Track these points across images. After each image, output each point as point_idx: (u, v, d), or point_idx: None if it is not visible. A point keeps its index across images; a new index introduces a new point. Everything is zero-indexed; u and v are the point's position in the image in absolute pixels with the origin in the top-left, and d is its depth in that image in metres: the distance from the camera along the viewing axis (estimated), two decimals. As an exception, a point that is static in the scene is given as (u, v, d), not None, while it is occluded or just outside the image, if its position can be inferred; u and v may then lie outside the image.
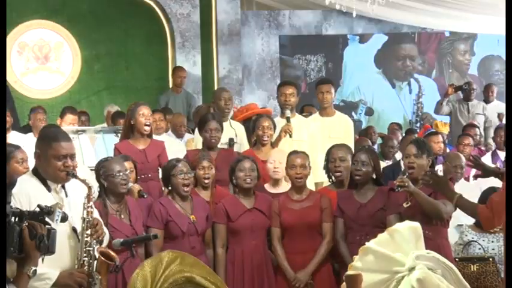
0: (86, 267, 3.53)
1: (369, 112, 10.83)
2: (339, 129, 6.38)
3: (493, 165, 5.73)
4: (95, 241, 3.59)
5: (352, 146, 6.22)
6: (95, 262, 3.58)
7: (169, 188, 4.98)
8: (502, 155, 7.40)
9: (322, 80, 7.10)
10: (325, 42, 10.80)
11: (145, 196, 5.03)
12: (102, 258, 3.62)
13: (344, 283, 2.18)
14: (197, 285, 2.04)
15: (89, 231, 3.57)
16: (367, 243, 2.28)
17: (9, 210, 2.59)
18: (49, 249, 2.64)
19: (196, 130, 6.14)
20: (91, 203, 3.64)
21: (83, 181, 3.79)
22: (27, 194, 3.44)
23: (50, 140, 3.56)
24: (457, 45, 11.10)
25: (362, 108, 10.83)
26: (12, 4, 9.44)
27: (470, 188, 5.82)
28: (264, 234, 5.03)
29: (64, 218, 3.12)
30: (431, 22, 10.67)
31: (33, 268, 2.62)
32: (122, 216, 4.62)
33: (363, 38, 10.89)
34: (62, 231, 3.37)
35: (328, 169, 5.32)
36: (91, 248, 3.56)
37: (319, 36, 10.76)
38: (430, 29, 10.97)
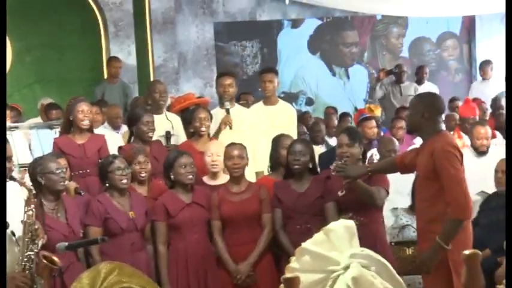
0: (27, 271, 3.49)
1: (310, 102, 10.94)
2: (282, 118, 6.45)
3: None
4: (35, 245, 3.54)
5: (295, 134, 6.30)
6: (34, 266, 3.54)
7: (107, 184, 4.95)
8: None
9: (265, 69, 7.10)
10: (259, 28, 10.82)
11: (82, 194, 4.99)
12: (46, 262, 3.59)
13: (282, 285, 2.23)
14: (136, 295, 2.05)
15: (29, 235, 3.52)
16: (303, 243, 2.33)
17: None
18: None
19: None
20: (32, 206, 3.60)
21: (23, 184, 3.74)
22: None
23: None
24: (392, 28, 11.27)
25: (302, 99, 10.92)
26: None
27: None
28: (204, 228, 5.04)
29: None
30: (363, 6, 10.80)
31: None
32: (59, 214, 4.56)
33: (295, 23, 10.95)
34: None
35: (277, 158, 5.36)
36: (32, 252, 3.53)
37: (254, 22, 10.77)
38: (361, 13, 11.11)
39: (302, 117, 8.77)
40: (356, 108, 10.68)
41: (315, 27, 11.00)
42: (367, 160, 5.35)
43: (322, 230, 2.36)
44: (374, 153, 6.65)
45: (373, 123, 7.22)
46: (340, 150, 4.99)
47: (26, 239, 3.52)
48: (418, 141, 7.65)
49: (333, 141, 7.84)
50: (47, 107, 7.67)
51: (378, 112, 8.82)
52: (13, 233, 3.53)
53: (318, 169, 5.40)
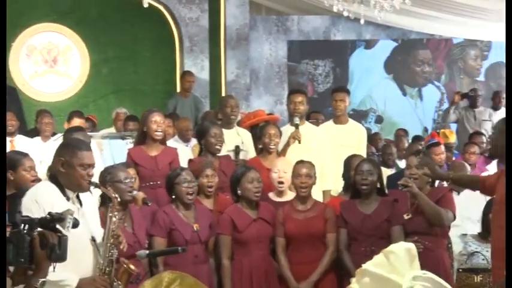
0: (107, 275, 3.61)
1: (379, 120, 10.84)
2: (351, 138, 6.41)
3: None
4: (116, 250, 3.66)
5: (364, 154, 6.25)
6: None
7: (173, 196, 4.99)
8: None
9: (338, 87, 7.08)
10: (332, 47, 10.80)
11: (149, 204, 5.04)
12: (126, 266, 3.69)
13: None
14: (195, 305, 2.06)
15: (111, 240, 3.64)
16: (363, 265, 2.29)
17: (19, 219, 2.55)
18: (60, 258, 2.61)
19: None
20: (115, 213, 3.73)
21: (107, 191, 3.88)
22: (50, 202, 3.45)
23: (75, 148, 3.63)
24: (469, 51, 11.08)
25: (372, 117, 10.83)
26: (22, 7, 9.52)
27: (476, 197, 5.81)
28: (269, 244, 5.03)
29: (75, 225, 3.11)
30: (439, 28, 10.65)
31: (42, 280, 2.59)
32: (125, 224, 4.61)
33: (369, 44, 10.90)
34: (80, 241, 3.47)
35: (349, 179, 5.34)
36: (113, 257, 3.64)
37: (327, 42, 10.77)
38: (438, 36, 10.96)
39: (372, 138, 8.69)
40: (426, 129, 10.53)
41: (389, 48, 10.92)
42: (436, 184, 5.25)
43: (382, 252, 2.31)
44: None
45: (441, 149, 7.01)
46: (409, 171, 4.95)
47: (108, 244, 3.63)
48: (491, 168, 7.49)
49: (402, 164, 7.72)
50: (126, 119, 7.86)
51: (453, 138, 8.62)
52: (93, 239, 3.63)
53: (386, 190, 5.33)
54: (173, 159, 5.65)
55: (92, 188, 3.72)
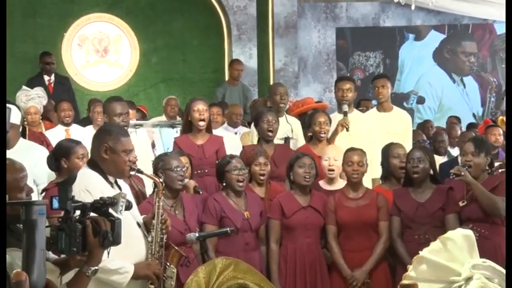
0: (158, 260, 3.65)
1: (420, 101, 10.71)
2: (396, 125, 6.34)
3: None
4: (164, 235, 3.70)
5: (410, 141, 6.16)
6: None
7: (224, 184, 5.00)
8: None
9: (377, 75, 7.06)
10: (382, 37, 10.64)
11: (201, 192, 5.06)
12: (176, 248, 3.74)
13: (400, 292, 2.16)
14: (250, 292, 2.05)
15: (160, 225, 3.68)
16: (420, 252, 2.25)
17: (70, 206, 2.48)
18: (113, 242, 2.55)
19: (253, 125, 6.18)
20: (162, 198, 3.77)
21: (150, 177, 3.90)
22: (100, 189, 3.46)
23: (118, 134, 3.64)
24: (510, 42, 10.90)
25: (413, 99, 10.71)
26: (74, -3, 9.65)
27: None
28: (318, 233, 5.00)
29: (128, 207, 3.12)
30: (493, 13, 10.41)
31: (93, 268, 2.55)
32: (176, 212, 4.63)
33: (419, 36, 10.73)
34: (131, 225, 3.51)
35: (387, 167, 5.26)
36: (162, 242, 3.68)
37: (376, 29, 10.61)
38: (491, 21, 10.72)
39: (423, 126, 8.57)
40: (474, 115, 10.40)
41: (439, 39, 10.77)
42: (495, 170, 5.13)
43: (438, 239, 2.27)
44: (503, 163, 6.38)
45: (499, 131, 6.92)
46: (464, 158, 4.85)
47: (159, 229, 3.67)
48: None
49: (455, 152, 7.61)
50: (181, 114, 7.94)
51: (508, 126, 8.47)
52: (138, 224, 3.67)
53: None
54: (219, 147, 5.65)
55: (133, 173, 3.73)
